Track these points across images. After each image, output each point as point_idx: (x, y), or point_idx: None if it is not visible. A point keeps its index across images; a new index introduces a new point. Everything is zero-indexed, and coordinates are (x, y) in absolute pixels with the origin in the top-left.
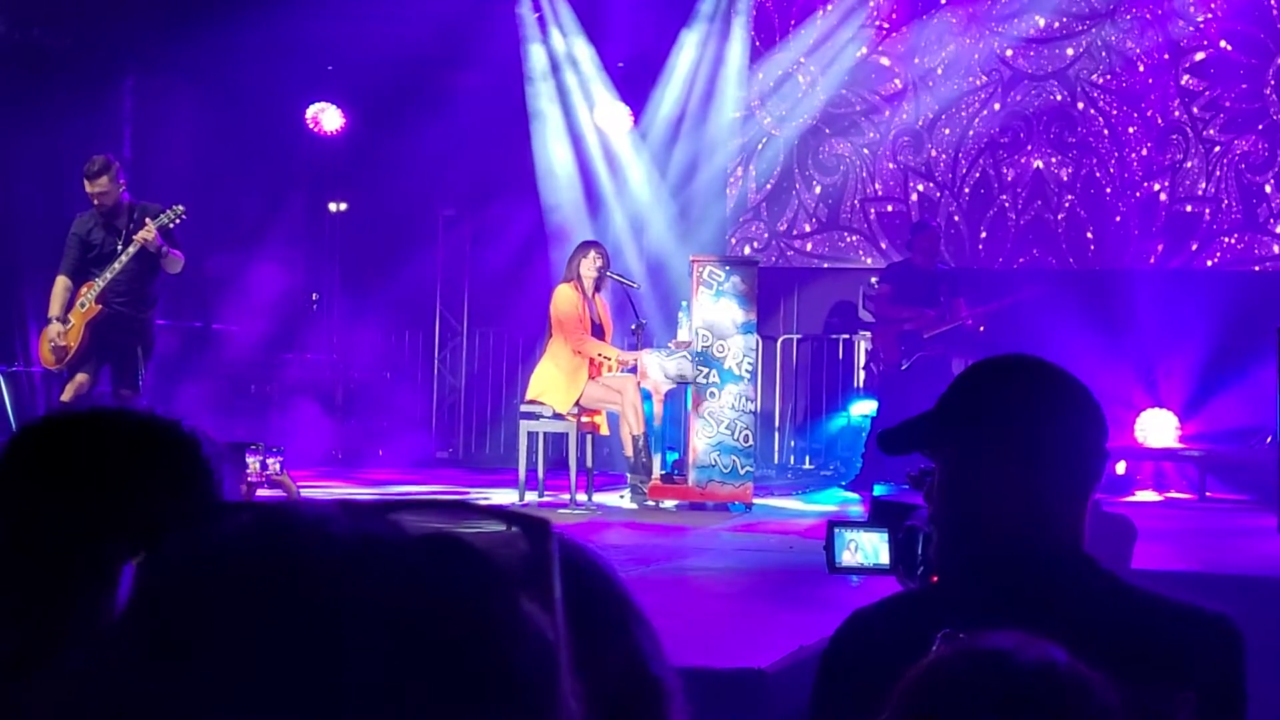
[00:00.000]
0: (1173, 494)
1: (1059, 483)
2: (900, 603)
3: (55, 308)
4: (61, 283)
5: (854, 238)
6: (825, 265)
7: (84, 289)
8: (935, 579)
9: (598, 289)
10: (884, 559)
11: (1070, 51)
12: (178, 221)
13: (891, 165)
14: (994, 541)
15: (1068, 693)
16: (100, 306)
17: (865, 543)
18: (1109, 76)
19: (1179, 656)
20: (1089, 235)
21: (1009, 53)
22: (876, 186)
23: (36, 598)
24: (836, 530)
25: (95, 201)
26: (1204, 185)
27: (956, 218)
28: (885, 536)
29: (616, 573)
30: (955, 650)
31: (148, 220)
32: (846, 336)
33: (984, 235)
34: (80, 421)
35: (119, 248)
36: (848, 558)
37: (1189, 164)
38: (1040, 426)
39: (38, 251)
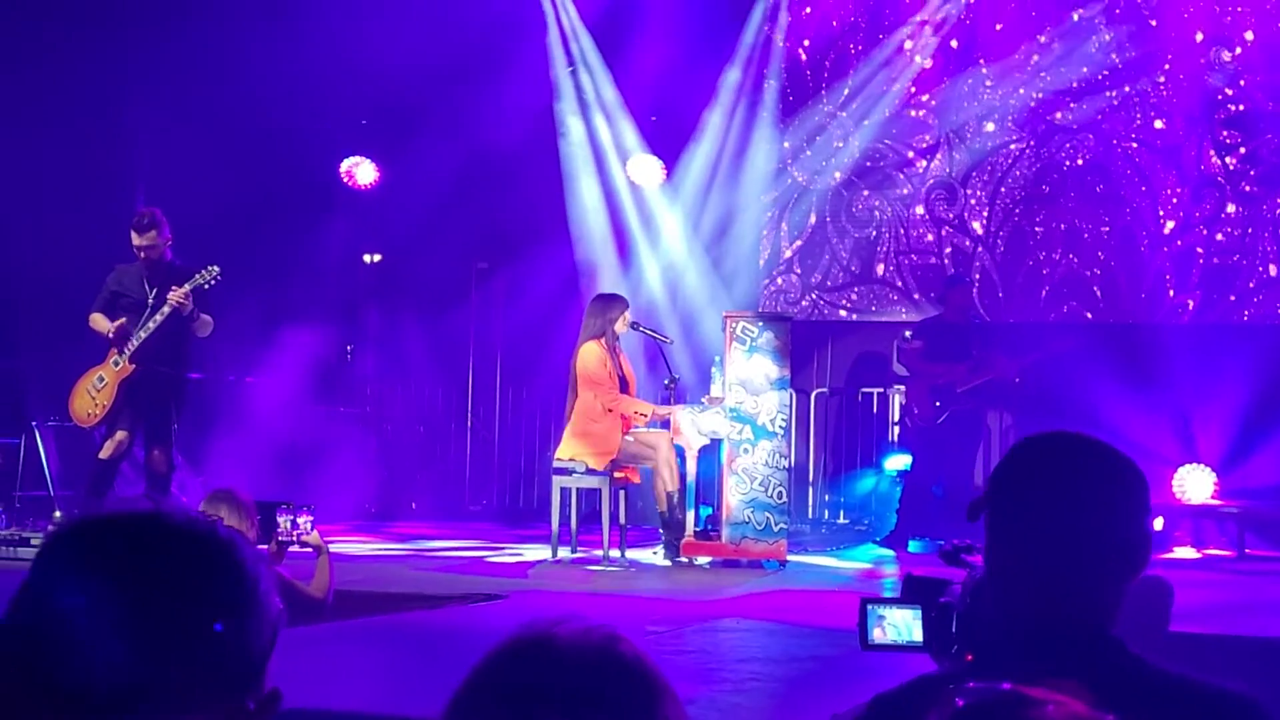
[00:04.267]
0: (1211, 550)
1: (1094, 564)
2: (923, 686)
3: (106, 327)
4: (97, 316)
5: (888, 291)
6: (859, 318)
7: (113, 352)
8: (970, 658)
9: (616, 340)
10: (917, 636)
11: (1105, 105)
12: (213, 283)
13: (925, 218)
14: (1022, 622)
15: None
16: (134, 366)
17: (898, 620)
18: (1144, 129)
19: None
20: (1124, 289)
21: (1044, 106)
22: (910, 239)
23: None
24: (869, 607)
25: (141, 254)
26: (1240, 238)
27: (991, 271)
28: (918, 613)
29: (647, 655)
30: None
31: (174, 287)
32: (880, 390)
33: (1018, 289)
34: (117, 529)
35: (149, 300)
36: (879, 635)
37: (1225, 216)
38: (1079, 506)
39: (45, 312)
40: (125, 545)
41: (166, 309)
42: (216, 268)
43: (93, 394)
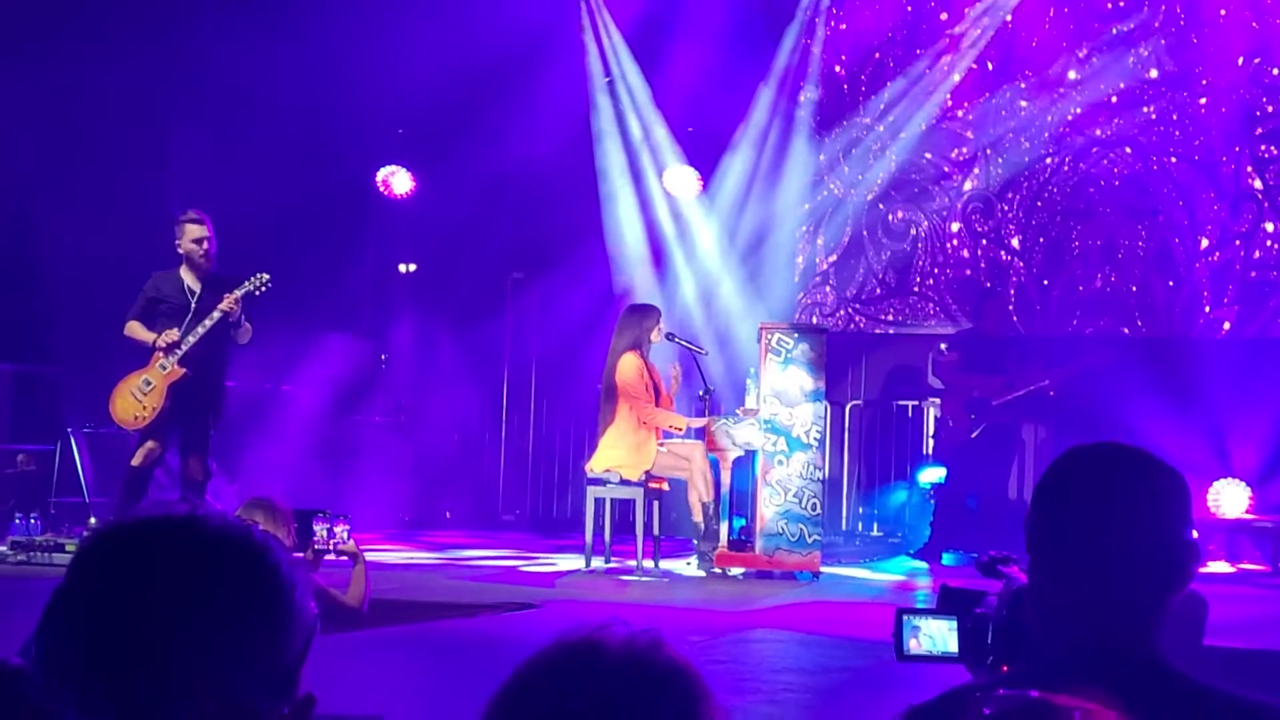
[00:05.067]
0: (1245, 565)
1: (1138, 576)
2: (958, 698)
3: (149, 336)
4: (135, 324)
5: (923, 303)
6: (894, 331)
7: (158, 356)
8: (1005, 669)
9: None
10: (952, 647)
11: (1143, 120)
12: (263, 289)
13: (962, 232)
14: (1065, 634)
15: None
16: (184, 370)
17: (934, 630)
18: (1182, 144)
19: None
20: (1161, 303)
21: (1081, 121)
22: (946, 253)
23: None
24: (905, 618)
25: (202, 248)
26: (1278, 254)
27: (1028, 285)
28: (954, 624)
29: (691, 661)
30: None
31: (225, 294)
32: (915, 403)
33: (1054, 303)
34: (153, 532)
35: (191, 305)
36: (914, 646)
37: (1263, 232)
38: (1123, 518)
39: (80, 320)
40: (161, 548)
41: (217, 314)
42: (267, 275)
43: (139, 396)
